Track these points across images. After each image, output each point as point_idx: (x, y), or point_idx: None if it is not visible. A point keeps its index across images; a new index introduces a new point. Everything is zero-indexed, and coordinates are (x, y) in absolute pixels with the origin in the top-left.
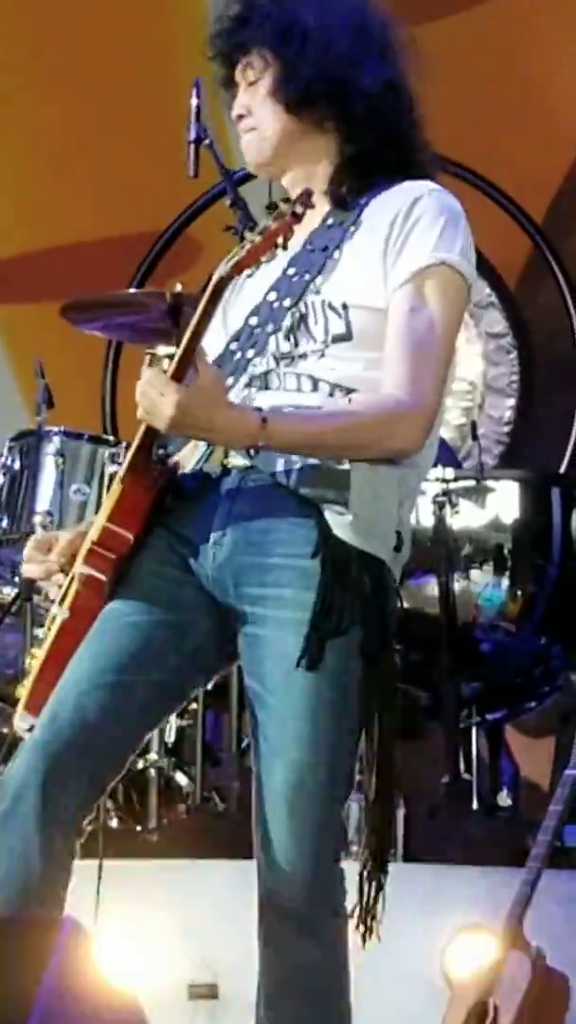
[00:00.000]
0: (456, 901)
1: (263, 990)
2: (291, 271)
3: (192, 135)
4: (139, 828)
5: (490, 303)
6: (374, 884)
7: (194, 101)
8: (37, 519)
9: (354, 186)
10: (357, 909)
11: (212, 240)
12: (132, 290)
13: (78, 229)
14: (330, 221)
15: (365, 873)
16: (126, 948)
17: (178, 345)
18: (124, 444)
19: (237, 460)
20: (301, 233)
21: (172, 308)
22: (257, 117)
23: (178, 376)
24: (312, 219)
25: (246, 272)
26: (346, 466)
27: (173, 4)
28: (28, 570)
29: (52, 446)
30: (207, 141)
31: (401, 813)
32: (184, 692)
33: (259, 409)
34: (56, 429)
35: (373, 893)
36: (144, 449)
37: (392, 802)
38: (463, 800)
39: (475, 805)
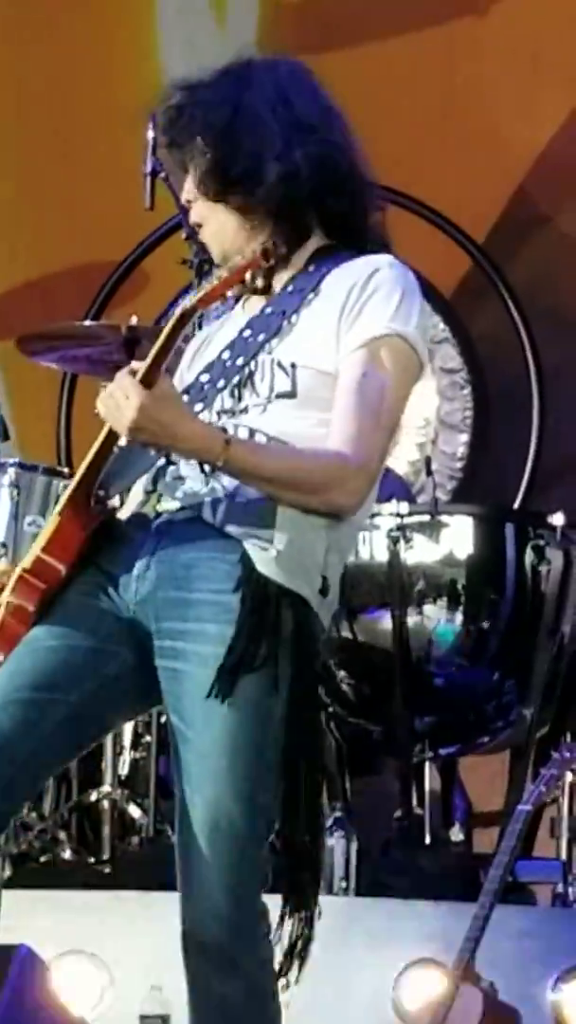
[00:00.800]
0: (408, 936)
1: (191, 1022)
2: (247, 333)
3: (148, 168)
4: (92, 859)
5: (444, 338)
6: (296, 925)
7: (151, 134)
8: None
9: (296, 256)
10: (281, 950)
11: (159, 272)
12: (88, 322)
13: (35, 262)
14: (290, 288)
15: (286, 913)
16: (78, 978)
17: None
18: None
19: (168, 504)
20: (262, 298)
21: (128, 341)
22: (198, 210)
23: (146, 383)
24: (274, 286)
25: (216, 320)
26: (272, 503)
27: (131, 37)
28: None
29: (7, 478)
30: (163, 174)
31: (353, 847)
32: (102, 721)
33: (224, 430)
34: (11, 461)
35: (295, 934)
36: (85, 484)
37: (318, 840)
38: (415, 835)
39: (427, 840)
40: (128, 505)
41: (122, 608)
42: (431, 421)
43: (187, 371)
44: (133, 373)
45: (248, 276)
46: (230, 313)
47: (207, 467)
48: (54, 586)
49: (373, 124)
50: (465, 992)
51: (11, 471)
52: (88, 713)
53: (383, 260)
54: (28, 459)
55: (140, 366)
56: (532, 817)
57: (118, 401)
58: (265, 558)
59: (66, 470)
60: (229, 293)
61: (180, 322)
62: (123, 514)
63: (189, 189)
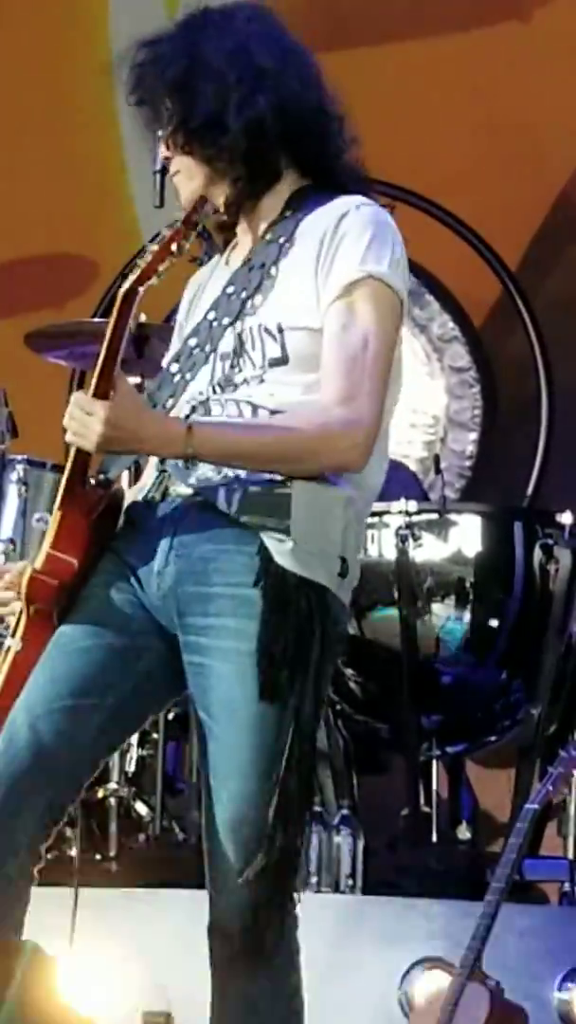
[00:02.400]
0: (414, 934)
1: (214, 1017)
2: (230, 289)
3: (157, 165)
4: (99, 857)
5: (454, 337)
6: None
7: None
8: None
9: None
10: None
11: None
12: (97, 319)
13: (38, 247)
14: (268, 236)
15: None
16: (83, 975)
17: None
18: None
19: (181, 488)
20: (243, 250)
21: (136, 338)
22: (175, 164)
23: (100, 394)
24: (253, 235)
25: (199, 285)
26: (288, 491)
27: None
28: None
29: (15, 474)
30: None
31: (360, 845)
32: (139, 716)
33: (186, 417)
34: (19, 457)
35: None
36: (77, 474)
37: (301, 823)
38: (422, 833)
39: (434, 838)
40: (143, 480)
41: (147, 603)
42: (440, 419)
43: (185, 322)
44: (86, 392)
45: (175, 247)
46: (219, 260)
47: (181, 463)
48: (68, 580)
49: (405, 130)
50: (471, 991)
51: (19, 468)
52: (126, 713)
53: (351, 203)
54: (36, 456)
55: (90, 385)
56: (540, 815)
57: (81, 420)
58: (282, 549)
59: None
60: (161, 268)
61: (122, 308)
62: (138, 490)
63: (163, 148)
